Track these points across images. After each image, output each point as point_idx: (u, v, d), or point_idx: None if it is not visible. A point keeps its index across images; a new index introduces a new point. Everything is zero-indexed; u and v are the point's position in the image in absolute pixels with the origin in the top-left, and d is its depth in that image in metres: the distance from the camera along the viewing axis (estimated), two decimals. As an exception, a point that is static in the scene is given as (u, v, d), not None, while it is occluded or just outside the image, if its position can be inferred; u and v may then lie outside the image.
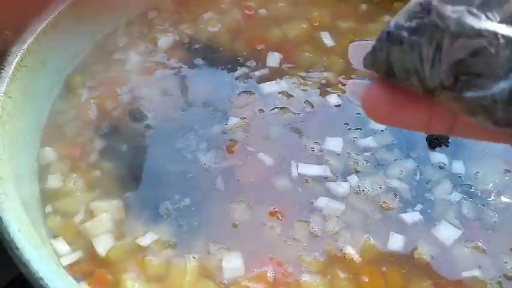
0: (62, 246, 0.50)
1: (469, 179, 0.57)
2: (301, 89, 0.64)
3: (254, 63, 0.66)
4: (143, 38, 0.69)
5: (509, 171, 0.57)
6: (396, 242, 0.52)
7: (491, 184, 0.56)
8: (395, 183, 0.56)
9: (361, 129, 0.60)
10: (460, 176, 0.56)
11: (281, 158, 0.57)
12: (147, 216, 0.53)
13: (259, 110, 0.62)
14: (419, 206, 0.54)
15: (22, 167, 0.53)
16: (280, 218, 0.53)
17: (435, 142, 0.58)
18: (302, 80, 0.65)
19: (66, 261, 0.49)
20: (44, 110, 0.60)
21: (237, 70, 0.65)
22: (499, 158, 0.58)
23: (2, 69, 0.54)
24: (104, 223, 0.52)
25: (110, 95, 0.62)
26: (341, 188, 0.55)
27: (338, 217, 0.53)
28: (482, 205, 0.55)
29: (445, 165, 0.57)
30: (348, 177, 0.56)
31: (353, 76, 0.64)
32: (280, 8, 0.73)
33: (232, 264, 0.49)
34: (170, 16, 0.71)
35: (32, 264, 0.41)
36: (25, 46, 0.56)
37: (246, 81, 0.64)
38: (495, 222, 0.53)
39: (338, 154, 0.58)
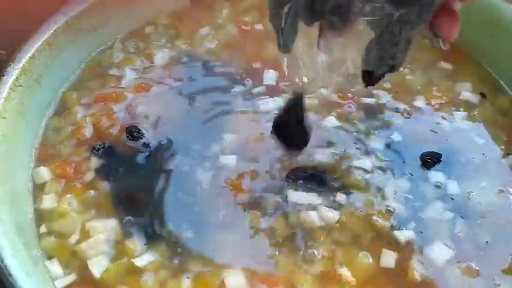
0: (56, 268, 0.50)
1: (463, 198, 0.57)
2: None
3: (251, 81, 0.66)
4: (140, 53, 0.69)
5: (502, 191, 0.58)
6: (388, 260, 0.52)
7: (485, 204, 0.56)
8: (389, 203, 0.56)
9: (359, 149, 0.60)
10: (452, 196, 0.57)
11: (276, 179, 0.57)
12: (143, 237, 0.53)
13: (256, 128, 0.61)
14: (412, 225, 0.54)
15: (16, 187, 0.53)
16: (276, 240, 0.53)
17: (429, 162, 0.59)
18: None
19: (61, 283, 0.49)
20: (38, 129, 0.60)
21: (233, 87, 0.65)
22: (492, 178, 0.59)
23: (-4, 89, 0.54)
24: (100, 244, 0.52)
25: (106, 113, 0.62)
26: (336, 206, 0.55)
27: (332, 237, 0.53)
28: (475, 225, 0.55)
29: (442, 184, 0.58)
30: (343, 196, 0.56)
31: (349, 95, 0.65)
32: (277, 23, 0.73)
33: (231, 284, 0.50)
34: (167, 32, 0.71)
35: (25, 291, 0.42)
36: (20, 65, 0.56)
37: (242, 98, 0.64)
38: (487, 243, 0.54)
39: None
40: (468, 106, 0.66)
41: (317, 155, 0.59)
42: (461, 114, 0.65)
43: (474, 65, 0.70)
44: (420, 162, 0.59)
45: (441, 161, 0.59)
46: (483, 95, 0.67)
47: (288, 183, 0.56)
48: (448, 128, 0.63)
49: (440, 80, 0.68)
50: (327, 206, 0.55)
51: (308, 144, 0.55)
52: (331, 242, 0.53)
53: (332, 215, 0.54)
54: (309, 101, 0.63)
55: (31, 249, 0.49)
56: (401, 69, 0.68)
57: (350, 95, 0.65)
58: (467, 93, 0.67)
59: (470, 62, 0.70)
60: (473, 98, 0.66)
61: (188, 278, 0.50)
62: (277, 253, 0.52)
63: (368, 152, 0.60)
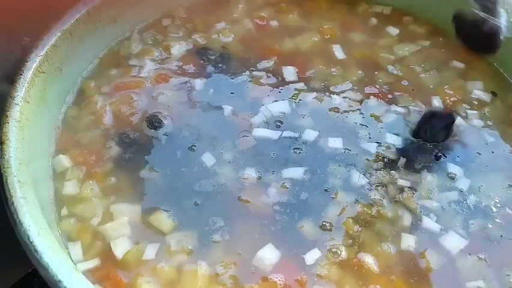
0: (78, 248, 0.51)
1: (474, 192, 0.58)
2: (322, 103, 0.65)
3: (269, 75, 0.67)
4: (157, 45, 0.70)
5: (511, 186, 0.59)
6: (407, 243, 0.53)
7: (496, 198, 0.58)
8: (409, 193, 0.57)
9: (370, 137, 0.62)
10: (462, 189, 0.58)
11: (308, 172, 0.58)
12: (163, 222, 0.53)
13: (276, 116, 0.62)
14: (428, 214, 0.56)
15: (38, 171, 0.54)
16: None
17: (438, 155, 0.60)
18: (322, 94, 0.66)
19: (82, 263, 0.50)
20: (59, 116, 0.61)
21: (250, 81, 0.66)
22: (500, 173, 0.60)
23: (21, 74, 0.55)
24: (123, 226, 0.53)
25: (127, 101, 0.62)
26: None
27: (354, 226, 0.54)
28: (487, 217, 0.56)
29: (455, 176, 0.59)
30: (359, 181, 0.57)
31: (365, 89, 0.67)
32: (292, 19, 0.74)
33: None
34: (184, 24, 0.72)
35: (51, 267, 0.42)
36: (43, 52, 0.57)
37: (261, 91, 0.65)
38: (500, 235, 0.55)
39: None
40: (479, 104, 0.67)
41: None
42: (472, 112, 0.66)
43: (485, 64, 0.71)
44: (433, 157, 0.60)
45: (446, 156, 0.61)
46: (494, 94, 0.68)
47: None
48: (460, 125, 0.64)
49: (452, 78, 0.69)
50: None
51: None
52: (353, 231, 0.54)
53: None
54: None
55: (54, 230, 0.50)
56: (415, 66, 0.70)
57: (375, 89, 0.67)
58: (478, 91, 0.68)
59: (481, 61, 0.71)
60: (485, 96, 0.68)
61: (207, 265, 0.51)
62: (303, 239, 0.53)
63: (385, 146, 0.61)
